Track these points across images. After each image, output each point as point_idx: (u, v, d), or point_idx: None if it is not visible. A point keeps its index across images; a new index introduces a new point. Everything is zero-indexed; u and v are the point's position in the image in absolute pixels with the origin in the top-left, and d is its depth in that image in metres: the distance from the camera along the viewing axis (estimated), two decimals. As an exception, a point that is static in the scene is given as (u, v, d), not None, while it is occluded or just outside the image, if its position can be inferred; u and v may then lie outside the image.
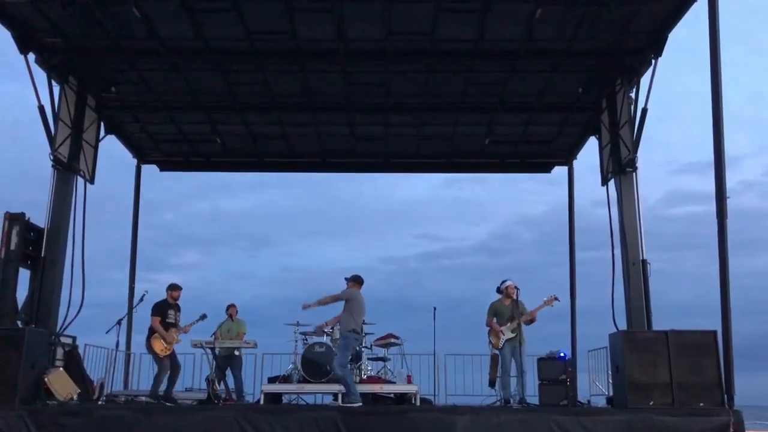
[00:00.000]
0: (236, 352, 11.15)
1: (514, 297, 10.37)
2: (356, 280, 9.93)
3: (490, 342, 10.53)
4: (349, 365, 9.79)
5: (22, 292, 10.41)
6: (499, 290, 10.62)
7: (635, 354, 8.96)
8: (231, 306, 11.94)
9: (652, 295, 10.72)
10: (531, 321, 10.35)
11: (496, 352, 10.45)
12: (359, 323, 9.84)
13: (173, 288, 10.79)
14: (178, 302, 10.80)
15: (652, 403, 8.64)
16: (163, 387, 10.38)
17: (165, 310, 10.55)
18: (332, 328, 10.91)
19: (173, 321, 10.58)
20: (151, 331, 10.39)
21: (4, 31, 10.50)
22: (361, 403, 9.19)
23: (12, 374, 8.57)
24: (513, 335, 10.18)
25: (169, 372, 10.38)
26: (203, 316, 10.80)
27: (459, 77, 12.02)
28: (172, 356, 10.52)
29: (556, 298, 10.36)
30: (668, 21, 10.20)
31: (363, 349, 11.56)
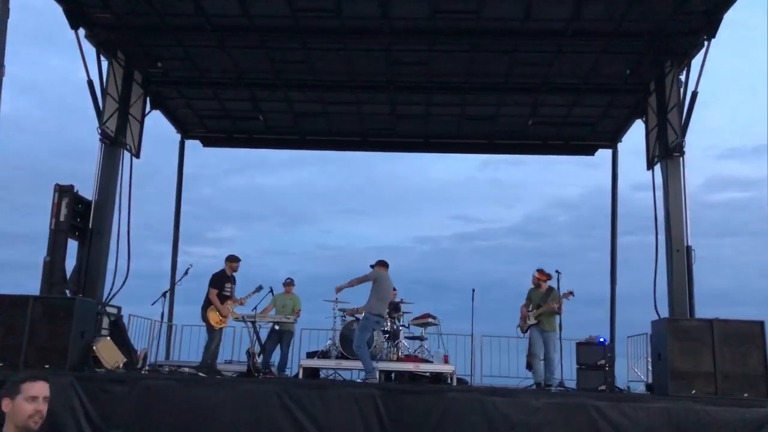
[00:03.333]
0: (277, 327, 11.28)
1: (535, 284, 10.61)
2: (381, 264, 10.11)
3: (518, 326, 10.81)
4: (366, 345, 9.91)
5: (69, 263, 10.72)
6: None
7: (678, 342, 8.84)
8: (288, 280, 12.03)
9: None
10: (553, 312, 10.35)
11: (525, 335, 10.73)
12: (383, 306, 10.00)
13: (232, 260, 10.86)
14: (235, 274, 10.93)
15: (694, 391, 8.53)
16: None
17: (223, 282, 10.67)
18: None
19: (229, 294, 10.71)
20: (208, 302, 10.53)
21: (52, 6, 10.66)
22: (377, 380, 9.49)
23: (63, 342, 8.84)
24: (535, 322, 10.34)
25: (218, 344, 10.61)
26: (259, 288, 10.83)
27: (504, 57, 11.86)
28: None
29: (571, 293, 10.32)
30: (725, 1, 9.88)
31: (401, 328, 11.64)
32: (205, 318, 10.48)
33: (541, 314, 10.29)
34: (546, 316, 10.32)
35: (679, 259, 10.62)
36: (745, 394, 8.42)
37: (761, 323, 8.64)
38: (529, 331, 10.51)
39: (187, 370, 10.40)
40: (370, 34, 11.23)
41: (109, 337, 10.11)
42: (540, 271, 10.63)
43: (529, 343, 10.59)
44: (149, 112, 13.26)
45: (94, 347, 9.44)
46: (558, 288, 10.44)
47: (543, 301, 10.35)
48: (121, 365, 9.80)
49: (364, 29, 11.17)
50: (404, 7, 10.51)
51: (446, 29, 11.07)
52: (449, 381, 10.55)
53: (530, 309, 10.49)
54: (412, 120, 14.51)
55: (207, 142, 15.87)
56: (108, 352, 9.64)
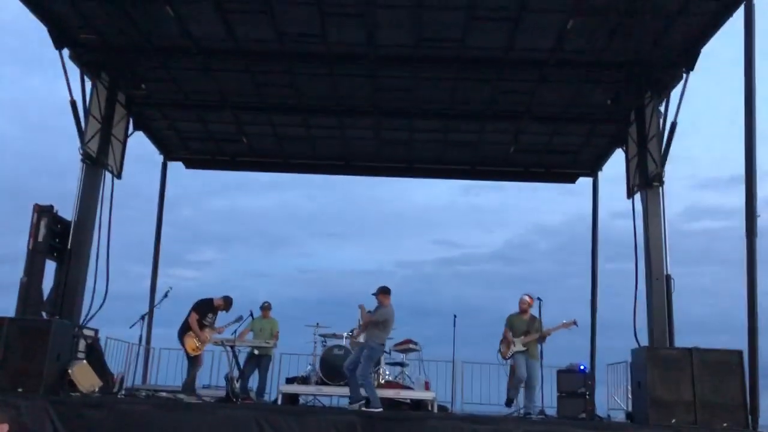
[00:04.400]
0: (255, 351, 11.17)
1: (524, 309, 10.44)
2: (386, 292, 9.87)
3: (499, 350, 10.60)
4: (371, 375, 9.79)
5: (47, 284, 10.54)
6: None
7: (658, 370, 8.86)
8: (266, 304, 11.93)
9: (672, 311, 10.62)
10: (543, 339, 10.34)
11: (504, 361, 10.59)
12: (386, 335, 10.00)
13: (227, 300, 10.90)
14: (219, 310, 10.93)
15: (674, 420, 8.53)
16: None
17: (206, 312, 10.71)
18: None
19: (209, 324, 10.74)
20: (186, 327, 10.48)
21: (37, 26, 10.62)
22: (381, 409, 9.27)
23: (38, 365, 8.67)
24: (524, 349, 10.22)
25: (200, 369, 10.52)
26: (239, 318, 10.83)
27: (487, 85, 12.00)
28: None
29: (574, 323, 10.29)
30: (702, 35, 10.12)
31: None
32: (182, 344, 10.39)
33: (530, 342, 10.25)
34: (532, 344, 10.28)
35: (658, 288, 10.68)
36: (725, 424, 8.44)
37: (739, 352, 8.67)
38: (512, 358, 10.40)
39: (164, 394, 10.23)
40: (355, 59, 11.32)
41: (85, 361, 9.91)
42: (530, 296, 10.61)
43: (512, 372, 10.47)
44: (132, 133, 13.17)
45: (70, 371, 9.25)
46: (540, 315, 10.43)
47: (531, 328, 10.29)
48: (97, 389, 9.61)
49: (349, 55, 11.25)
50: (389, 35, 10.62)
51: (430, 57, 11.19)
52: (430, 408, 10.47)
53: (513, 336, 10.41)
54: (395, 145, 14.59)
55: (189, 164, 15.82)
56: (84, 376, 9.45)
